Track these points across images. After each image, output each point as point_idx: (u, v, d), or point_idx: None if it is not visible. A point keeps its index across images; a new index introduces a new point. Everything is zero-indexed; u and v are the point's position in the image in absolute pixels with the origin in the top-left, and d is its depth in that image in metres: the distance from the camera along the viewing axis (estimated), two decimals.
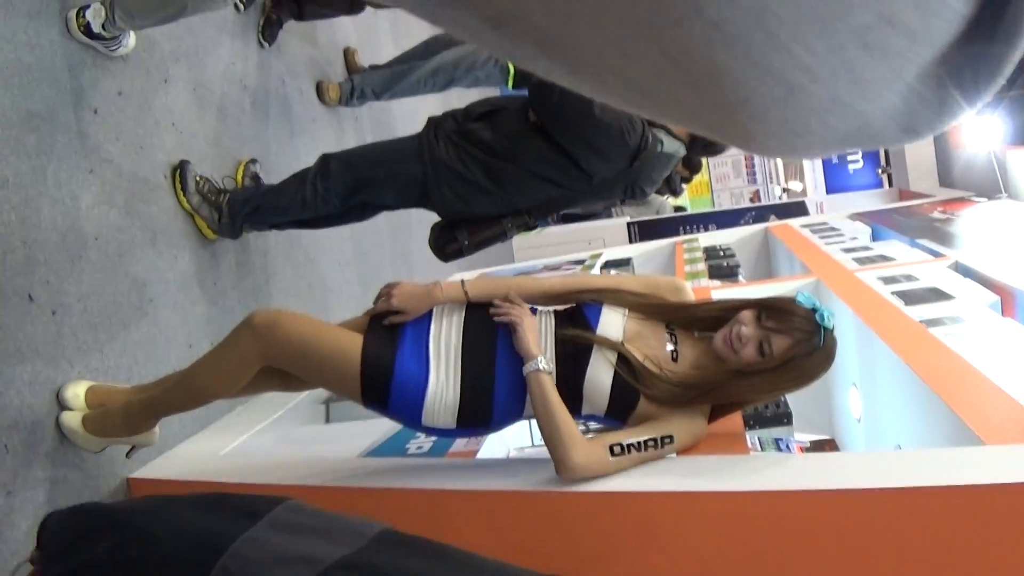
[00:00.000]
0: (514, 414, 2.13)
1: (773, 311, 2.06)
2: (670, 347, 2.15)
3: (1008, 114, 6.20)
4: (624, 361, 2.08)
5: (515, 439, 3.01)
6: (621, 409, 2.09)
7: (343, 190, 2.99)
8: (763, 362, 2.03)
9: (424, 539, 1.40)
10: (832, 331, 2.06)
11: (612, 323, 2.15)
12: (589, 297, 2.23)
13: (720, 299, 2.31)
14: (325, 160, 3.05)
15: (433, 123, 2.96)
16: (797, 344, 2.01)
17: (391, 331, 2.18)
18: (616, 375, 2.06)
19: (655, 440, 2.03)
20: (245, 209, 3.08)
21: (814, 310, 2.05)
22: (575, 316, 2.20)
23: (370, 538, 1.36)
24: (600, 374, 2.07)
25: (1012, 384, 2.39)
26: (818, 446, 3.05)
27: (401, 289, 2.22)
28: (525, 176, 2.82)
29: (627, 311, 2.19)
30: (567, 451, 1.99)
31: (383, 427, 2.78)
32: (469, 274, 6.17)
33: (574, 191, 2.86)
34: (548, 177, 2.82)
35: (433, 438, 2.67)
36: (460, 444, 2.63)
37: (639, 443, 2.02)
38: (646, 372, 2.07)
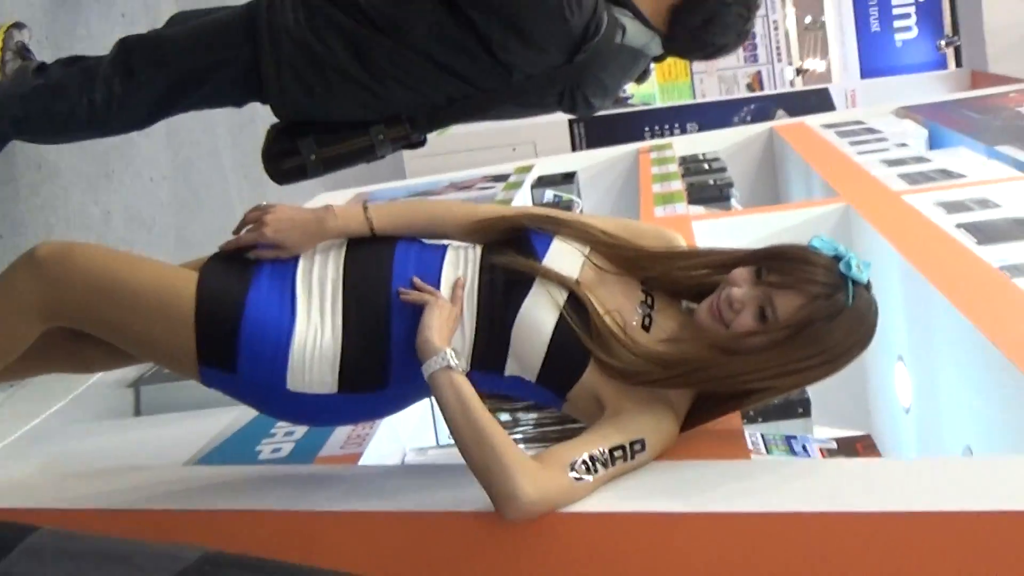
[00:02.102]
0: (416, 377, 2.08)
1: (777, 262, 2.06)
2: (640, 313, 2.17)
3: None
4: (576, 306, 2.09)
5: (413, 436, 3.01)
6: (560, 375, 2.09)
7: (153, 98, 2.94)
8: (764, 330, 2.02)
9: (261, 559, 1.48)
10: (868, 287, 2.06)
11: (565, 258, 2.17)
12: (538, 224, 2.24)
13: (705, 249, 2.32)
14: (125, 50, 2.96)
15: None
16: (812, 302, 1.99)
17: (241, 265, 2.20)
18: (562, 321, 2.08)
19: (623, 448, 2.01)
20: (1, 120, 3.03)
21: (837, 258, 2.04)
22: (515, 245, 2.22)
23: (192, 562, 1.40)
24: (539, 314, 2.09)
25: None
26: (847, 447, 3.07)
27: (278, 214, 2.20)
28: (411, 61, 2.73)
29: (588, 251, 2.21)
30: (511, 480, 1.92)
31: (222, 420, 2.76)
32: (341, 195, 6.07)
33: (482, 92, 2.80)
34: (446, 66, 2.73)
35: (295, 435, 2.66)
36: (337, 441, 2.63)
37: (605, 454, 1.99)
38: (604, 327, 2.07)
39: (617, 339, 2.07)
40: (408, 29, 2.72)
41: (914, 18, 9.99)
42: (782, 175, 6.26)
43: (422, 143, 3.00)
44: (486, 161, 7.11)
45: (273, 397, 2.14)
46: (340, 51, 2.75)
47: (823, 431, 3.33)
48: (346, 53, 2.75)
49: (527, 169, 6.09)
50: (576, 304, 2.10)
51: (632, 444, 2.01)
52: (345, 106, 2.84)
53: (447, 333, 2.08)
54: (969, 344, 2.79)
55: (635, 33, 2.77)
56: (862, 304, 2.03)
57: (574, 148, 8.24)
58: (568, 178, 5.92)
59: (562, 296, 2.10)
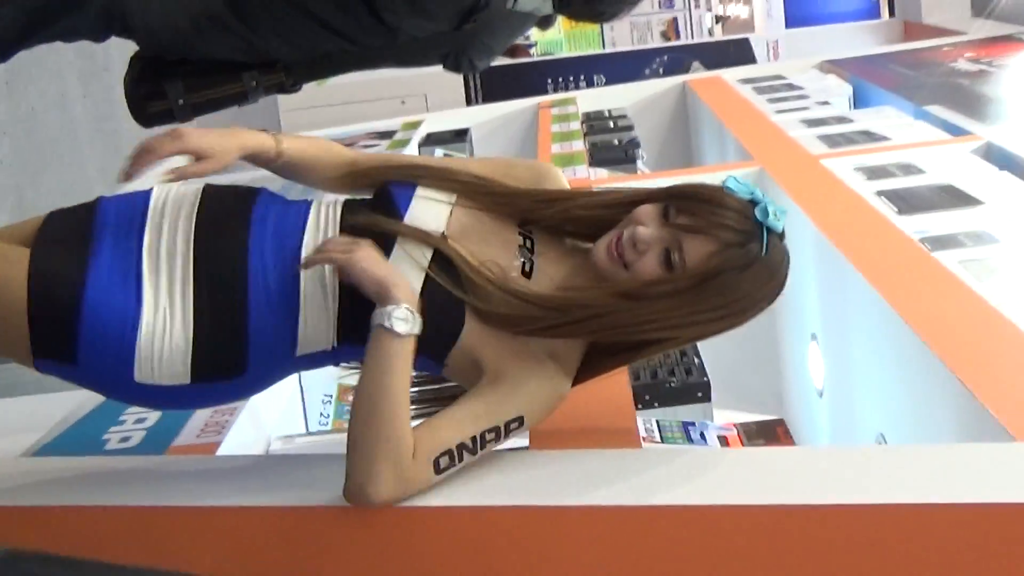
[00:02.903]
0: (281, 356, 2.13)
1: (687, 202, 2.08)
2: (519, 259, 2.18)
3: None
4: (443, 263, 2.10)
5: (280, 423, 3.00)
6: (435, 339, 2.09)
7: (8, 26, 2.89)
8: (671, 278, 2.06)
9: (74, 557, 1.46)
10: (782, 236, 2.12)
11: (428, 211, 2.19)
12: (398, 174, 2.27)
13: (606, 188, 2.35)
14: None
15: None
16: (725, 250, 2.03)
17: (79, 238, 2.15)
18: (429, 281, 2.09)
19: (497, 430, 2.05)
20: None
21: (753, 203, 2.08)
22: (375, 201, 2.24)
23: None
24: (408, 263, 2.10)
25: None
26: (765, 432, 3.14)
27: (190, 131, 2.20)
28: (289, 14, 2.75)
29: (455, 198, 2.23)
30: (379, 473, 1.97)
31: (65, 406, 2.73)
32: None
33: (363, 50, 2.85)
34: (327, 22, 2.76)
35: (147, 422, 2.65)
36: (193, 429, 2.62)
37: (477, 441, 2.03)
38: (479, 278, 2.09)
39: (496, 287, 2.08)
40: None
41: None
42: (695, 134, 6.31)
43: (297, 89, 3.04)
44: (371, 115, 7.04)
45: (119, 387, 2.13)
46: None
47: (735, 415, 3.39)
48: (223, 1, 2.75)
49: (415, 125, 6.08)
50: (444, 260, 2.10)
51: (508, 424, 2.04)
52: (216, 50, 2.85)
53: (386, 266, 2.06)
54: (883, 323, 2.86)
55: None
56: (776, 255, 2.08)
57: (469, 102, 8.12)
58: (460, 136, 5.94)
59: (427, 255, 2.10)
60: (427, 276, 2.08)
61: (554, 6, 2.86)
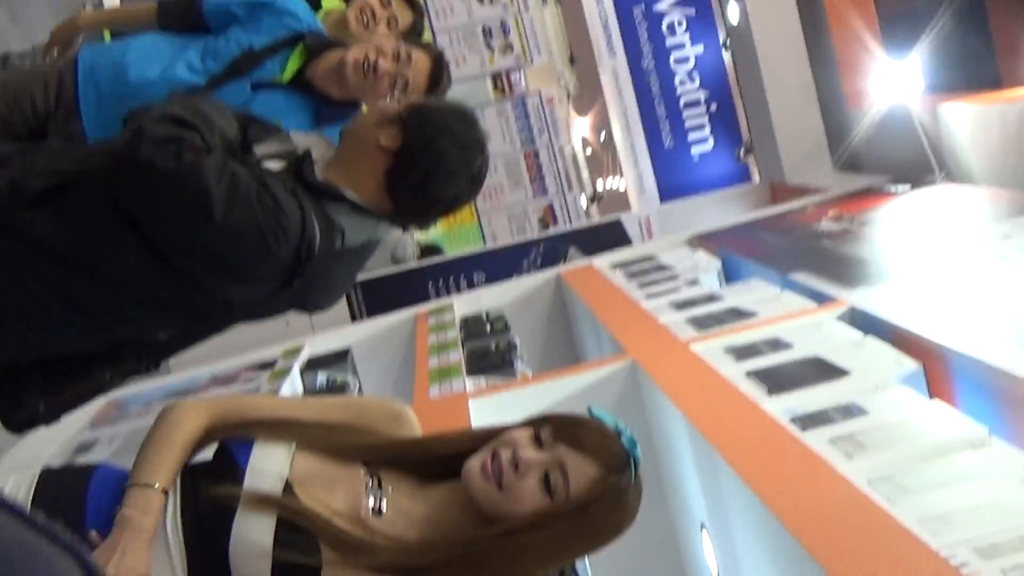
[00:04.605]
0: None
1: (564, 427, 2.10)
2: (369, 499, 2.15)
3: (930, 55, 6.16)
4: (289, 519, 2.07)
5: None
6: None
7: None
8: (552, 507, 2.04)
9: None
10: (640, 467, 2.12)
11: (270, 460, 2.17)
12: (232, 434, 2.26)
13: (460, 430, 2.35)
14: None
15: None
16: (608, 475, 2.04)
17: None
18: (279, 533, 2.05)
19: None
20: None
21: (618, 432, 2.10)
22: (216, 463, 2.23)
23: None
24: (253, 535, 2.06)
25: (949, 533, 2.45)
26: None
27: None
28: (122, 300, 2.69)
29: (294, 445, 2.21)
30: None
31: None
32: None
33: (206, 321, 2.83)
34: (160, 300, 2.70)
35: None
36: None
37: None
38: (334, 532, 2.05)
39: (356, 540, 2.05)
40: (112, 269, 2.66)
41: (708, 128, 10.09)
42: (574, 327, 6.32)
43: (155, 369, 3.00)
44: (256, 338, 6.92)
45: None
46: (49, 301, 2.66)
47: None
48: (55, 301, 2.66)
49: (295, 351, 6.04)
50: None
51: None
52: (65, 342, 2.78)
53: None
54: (756, 513, 2.87)
55: (356, 230, 2.79)
56: (639, 485, 2.09)
57: (353, 316, 8.10)
58: (341, 357, 5.93)
59: (269, 517, 2.07)
60: (277, 528, 2.04)
61: (395, 220, 2.86)
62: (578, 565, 3.16)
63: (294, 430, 2.23)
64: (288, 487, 2.11)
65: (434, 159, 2.70)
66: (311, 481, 2.14)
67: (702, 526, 3.73)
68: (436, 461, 2.22)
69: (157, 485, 2.12)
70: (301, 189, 2.64)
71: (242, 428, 2.25)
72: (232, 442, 2.23)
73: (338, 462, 2.20)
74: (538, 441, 2.08)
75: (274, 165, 2.73)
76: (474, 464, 2.09)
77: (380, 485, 2.17)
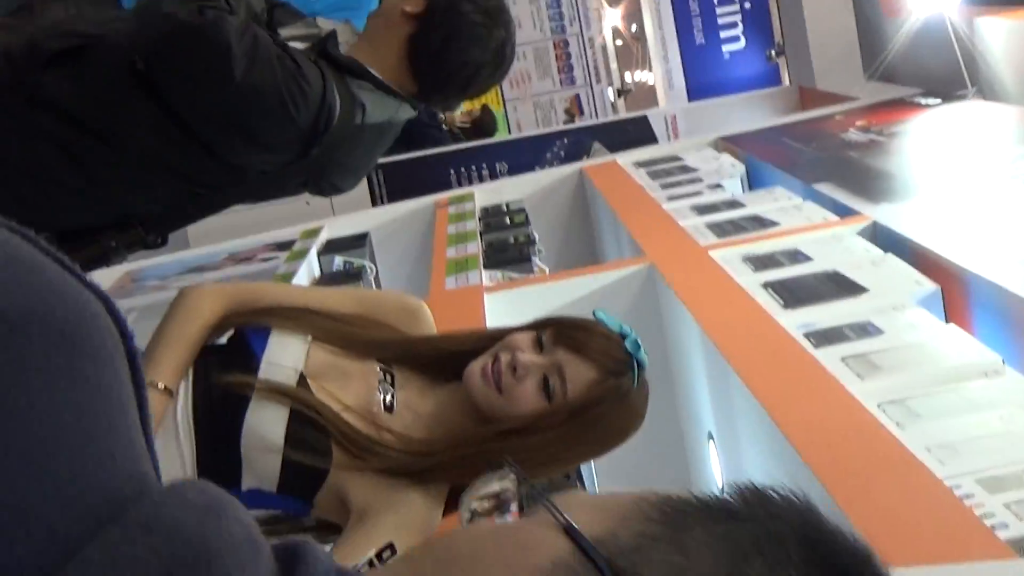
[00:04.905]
0: None
1: (565, 329, 2.10)
2: (382, 394, 2.17)
3: None
4: (305, 414, 2.09)
5: None
6: (301, 484, 2.09)
7: None
8: (550, 409, 2.05)
9: None
10: (645, 371, 2.12)
11: (286, 351, 2.18)
12: (249, 321, 2.27)
13: (469, 330, 2.36)
14: None
15: None
16: (606, 379, 2.05)
17: None
18: (291, 428, 2.07)
19: (370, 563, 2.01)
20: None
21: (622, 335, 2.10)
22: (231, 350, 2.24)
23: None
24: (265, 427, 2.08)
25: (955, 463, 2.43)
26: None
27: None
28: (133, 166, 2.69)
29: (310, 337, 2.22)
30: None
31: None
32: (107, 273, 5.91)
33: (215, 191, 2.81)
34: (171, 167, 2.70)
35: None
36: None
37: None
38: (345, 429, 2.07)
39: (364, 438, 2.07)
40: (122, 133, 2.66)
41: (741, 27, 9.92)
42: (596, 226, 6.27)
43: (161, 243, 2.98)
44: (277, 218, 6.93)
45: None
46: (55, 164, 2.65)
47: None
48: (63, 164, 2.66)
49: (314, 233, 6.01)
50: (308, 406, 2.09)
51: (380, 554, 2.01)
52: (70, 212, 2.78)
53: None
54: (765, 430, 2.85)
55: (377, 107, 2.78)
56: (644, 389, 2.10)
57: (374, 200, 8.01)
58: (359, 241, 5.88)
59: (283, 405, 2.09)
60: (289, 423, 2.06)
61: (419, 97, 2.86)
62: (584, 470, 3.19)
63: (311, 321, 2.25)
64: (303, 379, 2.13)
65: (455, 20, 2.71)
66: (325, 374, 2.16)
67: (710, 436, 3.73)
68: (444, 360, 2.23)
69: (161, 384, 2.12)
70: (324, 64, 2.65)
71: (259, 316, 2.26)
72: (248, 330, 2.24)
73: (352, 356, 2.21)
74: (539, 344, 2.09)
75: (299, 47, 2.72)
76: (475, 367, 2.11)
77: (393, 382, 2.19)
